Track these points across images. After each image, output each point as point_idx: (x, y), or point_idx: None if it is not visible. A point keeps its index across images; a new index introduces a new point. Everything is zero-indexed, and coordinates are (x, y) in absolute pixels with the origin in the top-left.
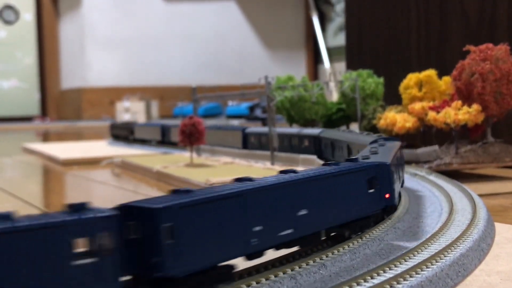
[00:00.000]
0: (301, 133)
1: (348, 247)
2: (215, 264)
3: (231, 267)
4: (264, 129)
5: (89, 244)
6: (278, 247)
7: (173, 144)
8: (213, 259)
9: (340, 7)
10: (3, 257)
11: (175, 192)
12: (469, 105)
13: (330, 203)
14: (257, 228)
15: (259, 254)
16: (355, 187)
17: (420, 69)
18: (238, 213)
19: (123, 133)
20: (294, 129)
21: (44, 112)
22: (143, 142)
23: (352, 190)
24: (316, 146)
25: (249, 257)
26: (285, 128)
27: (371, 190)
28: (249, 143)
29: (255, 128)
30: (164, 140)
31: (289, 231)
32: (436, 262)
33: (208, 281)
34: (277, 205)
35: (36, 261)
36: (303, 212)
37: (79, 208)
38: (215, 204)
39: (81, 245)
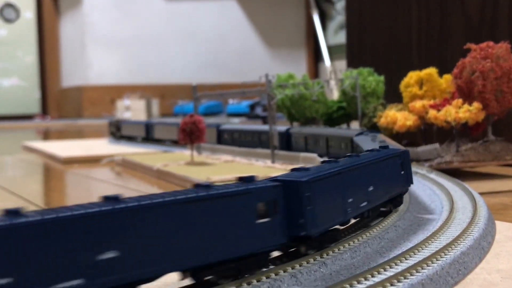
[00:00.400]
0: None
1: (349, 245)
2: (331, 227)
3: (338, 230)
4: (237, 127)
5: (265, 207)
6: (356, 217)
7: (156, 141)
8: (330, 223)
9: (340, 5)
10: (207, 217)
11: (295, 170)
12: (470, 103)
13: (384, 181)
14: (350, 200)
15: (348, 221)
16: (396, 169)
17: (420, 67)
18: (340, 187)
19: (113, 130)
20: (261, 126)
21: (44, 110)
22: (129, 138)
23: (394, 171)
24: (284, 142)
25: (342, 224)
26: (251, 125)
27: (402, 172)
28: (223, 139)
29: (229, 125)
30: (148, 137)
31: (365, 203)
32: (437, 260)
33: (325, 241)
34: (359, 181)
35: (230, 219)
36: (371, 188)
37: (249, 180)
38: (330, 179)
39: (260, 208)
